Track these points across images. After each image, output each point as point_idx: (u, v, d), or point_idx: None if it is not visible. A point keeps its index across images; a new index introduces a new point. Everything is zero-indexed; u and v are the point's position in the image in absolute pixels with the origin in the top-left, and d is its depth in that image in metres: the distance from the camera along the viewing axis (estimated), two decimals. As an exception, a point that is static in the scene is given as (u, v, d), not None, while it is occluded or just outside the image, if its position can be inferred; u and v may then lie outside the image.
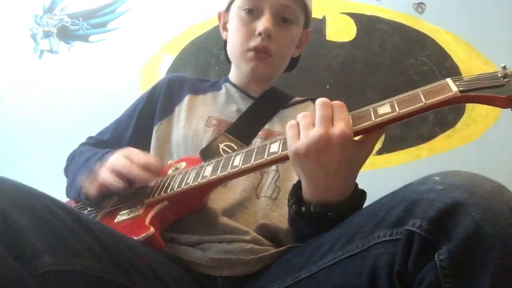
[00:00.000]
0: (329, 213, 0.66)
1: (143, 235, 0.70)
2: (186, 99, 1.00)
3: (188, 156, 0.90)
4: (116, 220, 0.78)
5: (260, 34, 0.91)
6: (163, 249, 0.73)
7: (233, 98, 1.01)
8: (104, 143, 1.02)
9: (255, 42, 0.93)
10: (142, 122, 1.01)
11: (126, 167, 0.78)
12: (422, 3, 1.92)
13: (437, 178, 0.53)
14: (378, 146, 1.85)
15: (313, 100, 1.05)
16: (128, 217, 0.77)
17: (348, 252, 0.58)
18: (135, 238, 0.69)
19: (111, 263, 0.59)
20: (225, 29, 1.04)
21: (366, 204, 0.68)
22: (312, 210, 0.67)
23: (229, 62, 1.08)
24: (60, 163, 1.06)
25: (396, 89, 1.88)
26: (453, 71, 1.85)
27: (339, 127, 0.61)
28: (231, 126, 0.95)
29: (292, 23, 0.96)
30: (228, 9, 1.00)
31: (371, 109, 0.64)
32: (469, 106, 1.83)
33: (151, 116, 1.00)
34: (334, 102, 0.65)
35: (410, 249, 0.50)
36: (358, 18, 1.93)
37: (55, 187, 0.94)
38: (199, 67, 1.97)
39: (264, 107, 1.00)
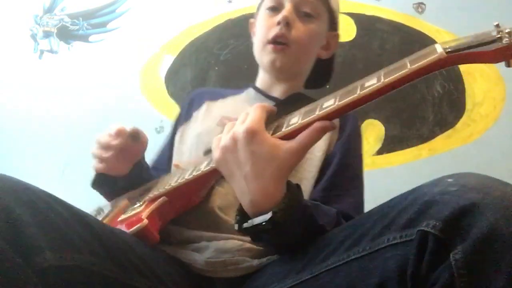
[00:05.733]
0: (263, 223, 0.61)
1: (136, 226, 0.71)
2: (204, 105, 1.03)
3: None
4: (120, 218, 0.80)
5: (279, 23, 0.93)
6: (157, 241, 0.73)
7: (252, 99, 1.00)
8: (152, 169, 1.04)
9: (274, 31, 0.93)
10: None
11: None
12: (422, 3, 1.92)
13: (450, 180, 0.53)
14: (378, 146, 1.85)
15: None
16: (131, 214, 0.79)
17: (354, 254, 0.57)
18: (128, 231, 0.70)
19: (110, 260, 0.60)
20: (254, 34, 1.05)
21: (369, 205, 0.67)
22: (248, 224, 0.63)
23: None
24: (60, 162, 1.06)
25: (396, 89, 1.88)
26: (453, 71, 1.85)
27: (245, 124, 0.62)
28: None
29: (314, 18, 0.96)
30: (256, 15, 1.03)
31: (359, 85, 0.61)
32: (468, 106, 1.83)
33: None
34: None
35: (424, 250, 0.50)
36: (358, 18, 1.93)
37: (55, 187, 0.94)
38: (199, 67, 1.98)
39: (284, 109, 0.98)
